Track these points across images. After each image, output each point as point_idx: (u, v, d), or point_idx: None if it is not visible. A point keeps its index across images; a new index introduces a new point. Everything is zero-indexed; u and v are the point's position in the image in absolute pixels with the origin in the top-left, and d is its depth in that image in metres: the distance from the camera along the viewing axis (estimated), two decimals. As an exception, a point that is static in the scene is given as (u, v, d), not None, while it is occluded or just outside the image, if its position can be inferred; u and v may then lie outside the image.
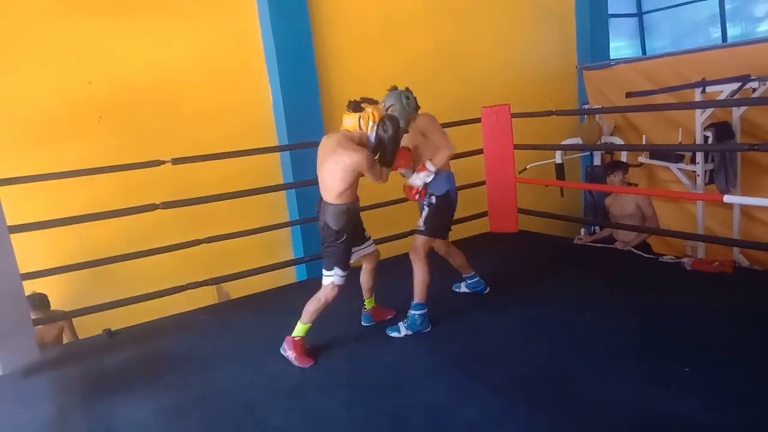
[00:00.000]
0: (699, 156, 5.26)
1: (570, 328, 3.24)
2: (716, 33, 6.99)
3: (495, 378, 2.76)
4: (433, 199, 3.35)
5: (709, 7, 6.95)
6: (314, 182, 4.63)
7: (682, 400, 2.43)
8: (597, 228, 6.33)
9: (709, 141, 5.02)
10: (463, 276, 3.93)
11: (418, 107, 3.37)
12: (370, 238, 3.40)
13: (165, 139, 4.42)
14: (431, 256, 3.41)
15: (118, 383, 3.09)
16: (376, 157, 3.07)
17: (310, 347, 3.22)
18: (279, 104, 4.78)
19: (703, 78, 5.09)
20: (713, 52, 5.60)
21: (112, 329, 3.80)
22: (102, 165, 3.71)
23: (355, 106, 3.06)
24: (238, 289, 4.51)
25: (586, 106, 6.75)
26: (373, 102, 3.11)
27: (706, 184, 5.27)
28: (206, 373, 3.15)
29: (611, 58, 7.12)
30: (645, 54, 7.59)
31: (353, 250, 3.25)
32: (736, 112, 5.16)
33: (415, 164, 3.39)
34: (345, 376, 2.94)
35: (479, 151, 5.23)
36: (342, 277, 3.17)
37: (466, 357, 3.03)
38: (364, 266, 3.48)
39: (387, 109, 3.32)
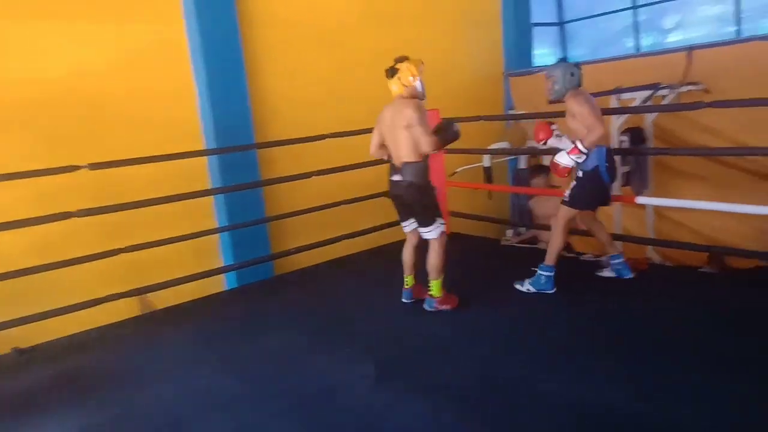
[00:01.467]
0: (617, 158, 5.54)
1: (500, 329, 3.32)
2: (630, 43, 7.42)
3: (431, 381, 2.79)
4: (581, 173, 3.44)
5: (624, 19, 7.37)
6: (244, 186, 4.60)
7: (612, 392, 2.55)
8: (524, 229, 6.57)
9: (625, 145, 5.30)
10: (606, 257, 3.95)
11: (579, 85, 3.48)
12: (427, 225, 3.46)
13: (86, 145, 4.17)
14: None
15: (30, 405, 2.88)
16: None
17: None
18: (206, 107, 4.63)
19: (619, 85, 5.38)
20: (627, 61, 5.93)
21: (22, 347, 3.54)
22: (13, 171, 3.44)
23: (392, 71, 3.29)
24: (163, 300, 4.32)
25: (512, 111, 6.98)
26: (404, 58, 3.31)
27: (622, 186, 5.57)
28: (128, 390, 3.00)
29: (535, 65, 7.40)
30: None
31: (410, 221, 3.50)
32: (649, 118, 5.49)
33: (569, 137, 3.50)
34: (277, 387, 2.88)
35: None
36: (443, 224, 3.39)
37: (402, 361, 3.04)
38: (407, 242, 3.63)
39: (550, 79, 3.53)
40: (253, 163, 4.89)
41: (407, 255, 3.65)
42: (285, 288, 4.54)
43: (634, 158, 5.45)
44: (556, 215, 5.29)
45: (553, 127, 3.68)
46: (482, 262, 4.70)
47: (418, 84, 3.29)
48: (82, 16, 4.21)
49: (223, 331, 3.71)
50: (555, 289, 3.60)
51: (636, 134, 5.38)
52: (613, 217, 5.93)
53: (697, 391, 2.50)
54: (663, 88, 5.05)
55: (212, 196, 4.75)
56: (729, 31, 6.39)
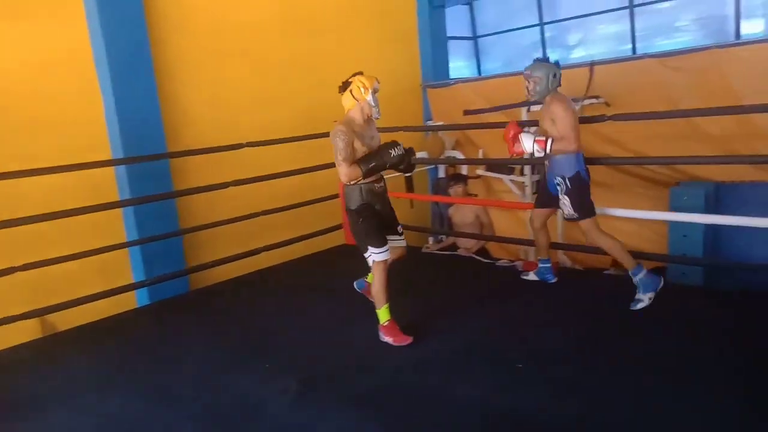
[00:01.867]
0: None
1: (419, 335, 3.36)
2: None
3: (354, 394, 2.77)
4: (568, 182, 3.37)
5: (532, 35, 7.76)
6: (155, 197, 4.38)
7: (523, 395, 2.64)
8: (444, 236, 6.72)
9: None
10: (537, 258, 3.97)
11: (559, 85, 3.41)
12: (402, 233, 3.41)
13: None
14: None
15: None
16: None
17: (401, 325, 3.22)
18: (112, 114, 4.37)
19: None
20: (536, 75, 6.24)
21: None
22: None
23: (344, 85, 3.15)
24: (68, 321, 4.02)
25: (430, 122, 7.14)
26: (358, 73, 3.18)
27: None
28: (30, 419, 2.76)
29: (451, 77, 7.63)
30: (480, 74, 8.25)
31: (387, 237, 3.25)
32: (556, 129, 5.80)
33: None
34: (192, 408, 2.75)
35: (333, 165, 5.26)
36: (380, 253, 3.13)
37: (325, 375, 3.00)
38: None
39: (531, 79, 3.38)
40: (165, 172, 4.67)
41: None
42: (201, 303, 4.36)
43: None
44: (485, 223, 5.48)
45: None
46: (404, 270, 4.74)
47: (370, 98, 3.12)
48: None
49: (134, 352, 3.51)
50: (662, 281, 3.40)
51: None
52: (525, 224, 6.20)
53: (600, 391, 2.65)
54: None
55: (121, 209, 4.48)
56: (626, 48, 6.89)
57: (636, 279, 3.40)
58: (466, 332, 3.37)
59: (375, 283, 3.17)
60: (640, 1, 6.61)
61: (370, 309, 3.68)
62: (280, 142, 5.00)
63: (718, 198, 5.18)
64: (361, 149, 3.12)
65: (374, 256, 3.14)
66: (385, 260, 3.16)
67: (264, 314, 3.96)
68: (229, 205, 4.78)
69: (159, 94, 4.66)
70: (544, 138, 3.36)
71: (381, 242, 3.16)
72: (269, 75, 5.52)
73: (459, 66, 8.39)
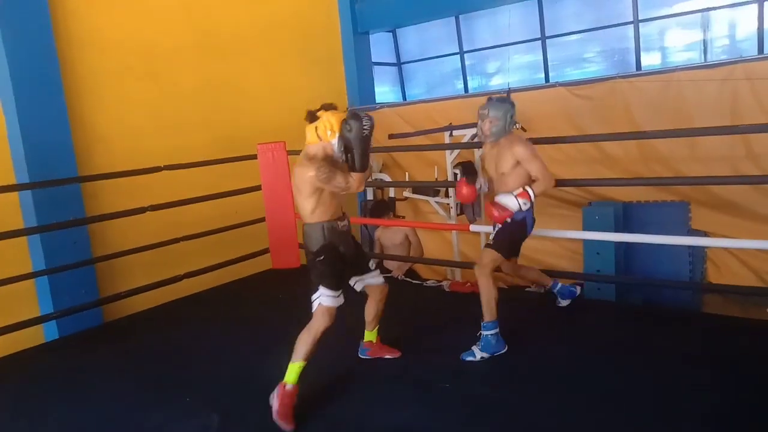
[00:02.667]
0: (451, 190, 5.98)
1: (345, 359, 3.33)
2: (460, 84, 8.12)
3: (271, 425, 2.69)
4: (509, 221, 3.24)
5: (454, 62, 8.06)
6: (65, 224, 4.13)
7: (447, 416, 2.67)
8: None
9: (458, 177, 5.74)
10: (549, 287, 3.80)
11: (515, 125, 3.27)
12: (375, 268, 3.15)
13: None
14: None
15: None
16: (346, 163, 2.81)
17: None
18: (16, 138, 4.10)
19: (450, 123, 5.84)
20: (457, 101, 6.47)
21: None
22: None
23: (312, 116, 2.82)
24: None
25: (357, 145, 7.19)
26: (330, 107, 2.83)
27: (458, 215, 6.00)
28: None
29: (377, 101, 7.76)
30: (405, 99, 8.44)
31: (354, 279, 3.07)
32: (477, 153, 6.01)
33: (495, 187, 3.31)
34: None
35: (258, 188, 5.19)
36: (330, 297, 2.80)
37: (247, 407, 2.90)
38: (369, 298, 3.20)
39: (488, 119, 3.21)
40: (76, 197, 4.42)
41: (367, 309, 3.25)
42: (116, 336, 4.12)
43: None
44: (414, 243, 5.55)
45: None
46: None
47: (335, 142, 2.77)
48: None
49: (39, 391, 3.25)
50: (506, 348, 3.24)
51: (467, 167, 5.85)
52: (452, 244, 6.35)
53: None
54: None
55: (26, 237, 4.19)
56: (539, 77, 7.29)
57: (483, 333, 3.24)
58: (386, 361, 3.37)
59: (309, 330, 2.80)
60: (552, 33, 7.04)
61: (291, 338, 3.61)
62: (200, 165, 4.87)
63: (626, 217, 5.54)
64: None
65: (323, 298, 2.80)
66: (334, 308, 2.82)
67: (184, 346, 3.80)
68: (146, 232, 4.59)
69: (69, 116, 4.43)
70: (522, 189, 3.21)
71: (336, 285, 2.85)
72: (184, 98, 5.37)
73: (384, 91, 8.55)
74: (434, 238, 6.86)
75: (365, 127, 2.73)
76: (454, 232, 6.23)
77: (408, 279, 5.15)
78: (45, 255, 4.19)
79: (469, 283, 4.61)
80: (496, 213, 3.24)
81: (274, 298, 4.61)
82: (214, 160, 5.01)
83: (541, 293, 5.51)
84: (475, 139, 5.63)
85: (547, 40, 7.05)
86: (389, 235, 5.73)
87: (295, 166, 2.85)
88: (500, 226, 3.33)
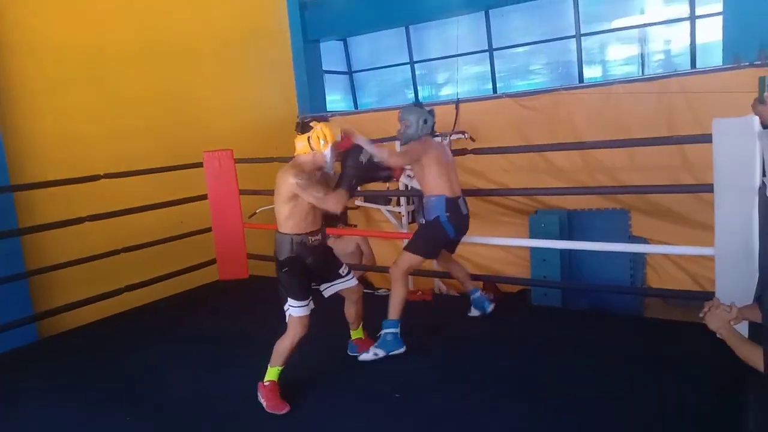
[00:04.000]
0: (402, 199, 6.01)
1: (289, 371, 3.26)
2: (411, 94, 8.21)
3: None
4: (423, 221, 3.34)
5: (405, 72, 8.14)
6: (7, 234, 3.89)
7: (395, 426, 2.65)
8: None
9: (409, 187, 5.77)
10: (468, 292, 3.81)
11: (431, 133, 3.39)
12: (347, 273, 3.16)
13: None
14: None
15: None
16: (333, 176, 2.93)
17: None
18: (-59, 145, 3.88)
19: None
20: (408, 110, 6.53)
21: None
22: None
23: (303, 127, 2.86)
24: None
25: (308, 154, 7.13)
26: (322, 119, 2.94)
27: (409, 223, 6.02)
28: None
29: (328, 110, 7.73)
30: (357, 108, 8.45)
31: (324, 286, 3.11)
32: (428, 162, 6.07)
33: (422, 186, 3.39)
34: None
35: (204, 197, 5.06)
36: (299, 307, 2.85)
37: (186, 423, 2.80)
38: (346, 300, 3.25)
39: (402, 122, 3.34)
40: (8, 207, 4.19)
41: (347, 311, 3.31)
42: (52, 353, 3.90)
43: (418, 198, 5.93)
44: (365, 252, 5.52)
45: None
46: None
47: (327, 152, 2.82)
48: None
49: (19, 399, 3.05)
50: (405, 348, 3.29)
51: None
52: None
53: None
54: (437, 135, 5.62)
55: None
56: (487, 87, 7.45)
57: (384, 330, 3.33)
58: (340, 362, 3.34)
59: (285, 339, 2.87)
60: (499, 45, 7.21)
61: (239, 353, 3.53)
62: (144, 173, 4.71)
63: (570, 225, 5.71)
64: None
65: (292, 309, 2.87)
66: (304, 317, 2.87)
67: (126, 362, 3.63)
68: (86, 243, 4.39)
69: (0, 124, 4.20)
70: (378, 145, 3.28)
71: (302, 296, 2.87)
72: (127, 105, 5.20)
73: (336, 99, 8.54)
74: (386, 246, 6.86)
75: (373, 159, 3.01)
76: (405, 240, 6.25)
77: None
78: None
79: (420, 292, 4.63)
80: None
81: (221, 309, 4.49)
82: (159, 168, 4.85)
83: (492, 299, 5.60)
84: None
85: (494, 51, 7.22)
86: (341, 245, 5.67)
87: (279, 171, 2.89)
88: (418, 226, 3.52)
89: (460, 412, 2.74)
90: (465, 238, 3.77)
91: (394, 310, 3.32)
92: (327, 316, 4.11)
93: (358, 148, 2.96)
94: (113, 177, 4.43)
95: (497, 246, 5.96)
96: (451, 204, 3.38)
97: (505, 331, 3.77)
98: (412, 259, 3.40)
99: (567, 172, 5.51)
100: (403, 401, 2.86)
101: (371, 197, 6.42)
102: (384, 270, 6.06)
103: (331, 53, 8.18)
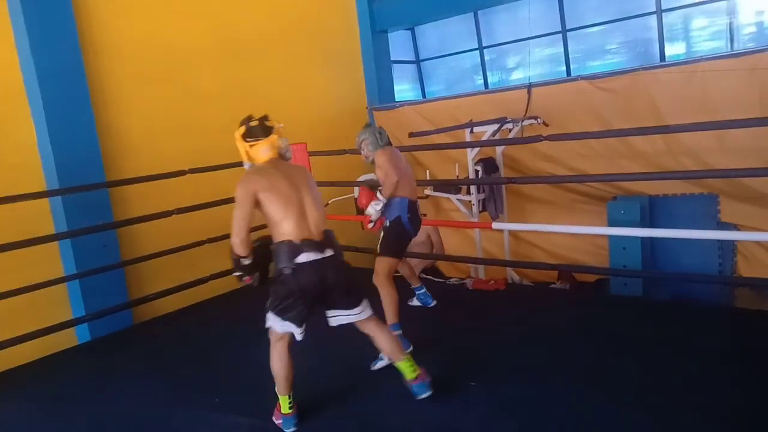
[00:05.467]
0: (472, 188, 5.96)
1: (364, 357, 3.34)
2: (480, 80, 8.06)
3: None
4: (387, 223, 3.48)
5: (473, 58, 8.00)
6: (94, 229, 4.22)
7: (469, 412, 2.66)
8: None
9: (479, 174, 5.71)
10: (412, 287, 4.00)
11: (388, 143, 3.58)
12: (359, 304, 2.72)
13: None
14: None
15: None
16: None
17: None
18: (45, 144, 4.21)
19: (471, 119, 5.81)
20: (477, 97, 6.45)
21: None
22: None
23: (264, 129, 2.72)
24: (2, 361, 3.79)
25: (378, 144, 7.20)
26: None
27: (480, 212, 5.97)
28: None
29: (396, 100, 7.75)
30: (424, 97, 8.42)
31: (329, 313, 2.71)
32: (499, 149, 5.98)
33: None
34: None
35: (277, 190, 5.23)
36: (276, 321, 2.57)
37: (270, 409, 2.94)
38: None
39: (361, 143, 3.57)
40: (104, 202, 4.52)
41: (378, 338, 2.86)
42: (145, 337, 4.21)
43: (488, 186, 5.87)
44: (435, 242, 5.54)
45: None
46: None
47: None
48: None
49: (72, 392, 3.35)
50: (411, 347, 3.27)
51: (488, 164, 5.82)
52: (474, 241, 6.32)
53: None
54: (509, 122, 5.54)
55: (57, 242, 4.29)
56: (560, 70, 7.20)
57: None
58: (416, 351, 3.38)
59: (272, 363, 2.63)
60: (572, 26, 6.94)
61: (316, 341, 3.64)
62: (223, 168, 4.92)
63: (652, 211, 5.45)
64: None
65: (270, 322, 2.61)
66: (282, 336, 2.60)
67: (212, 347, 3.86)
68: (172, 235, 4.67)
69: (96, 122, 4.52)
70: (375, 195, 3.51)
71: (283, 313, 2.58)
72: (204, 101, 5.42)
73: (404, 89, 8.54)
74: (457, 235, 6.84)
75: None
76: (476, 229, 6.21)
77: (429, 277, 5.15)
78: (76, 259, 4.30)
79: (492, 281, 4.58)
80: (365, 225, 3.60)
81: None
82: (237, 162, 5.04)
83: (566, 289, 5.47)
84: (496, 136, 5.59)
85: (568, 32, 6.95)
86: (411, 234, 5.73)
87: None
88: (382, 234, 3.55)
89: (534, 401, 2.72)
90: (540, 226, 3.71)
91: (391, 315, 3.39)
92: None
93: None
94: (197, 172, 4.69)
95: (573, 234, 5.80)
96: (412, 206, 3.54)
97: (582, 322, 3.69)
98: (388, 263, 3.48)
99: (648, 156, 5.25)
100: (477, 389, 2.87)
101: (441, 186, 6.41)
102: (454, 259, 6.09)
103: (398, 43, 8.18)
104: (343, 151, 5.33)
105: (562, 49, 7.09)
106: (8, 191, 3.73)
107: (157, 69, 5.12)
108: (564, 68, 7.16)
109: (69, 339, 4.29)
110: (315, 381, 3.02)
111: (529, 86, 5.70)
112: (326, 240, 2.61)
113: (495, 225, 4.81)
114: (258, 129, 2.70)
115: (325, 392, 2.98)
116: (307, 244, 2.54)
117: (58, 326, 4.00)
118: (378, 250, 3.49)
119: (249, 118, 2.75)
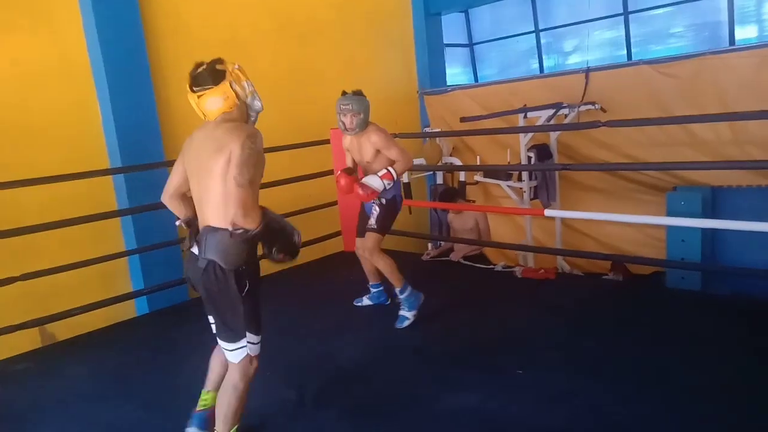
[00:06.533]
0: (524, 174, 5.85)
1: (415, 342, 3.37)
2: (535, 64, 7.87)
3: (347, 403, 2.78)
4: (383, 201, 3.49)
5: (528, 41, 7.81)
6: (154, 206, 4.39)
7: (516, 401, 2.65)
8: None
9: (532, 161, 5.60)
10: (369, 285, 3.98)
11: None
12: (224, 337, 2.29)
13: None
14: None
15: None
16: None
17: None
18: (110, 123, 4.38)
19: (525, 104, 5.69)
20: (532, 81, 6.29)
21: None
22: None
23: (214, 74, 2.16)
24: (66, 330, 4.03)
25: (428, 129, 7.18)
26: (220, 62, 2.24)
27: (531, 199, 5.86)
28: (29, 428, 2.76)
29: (448, 84, 7.67)
30: (477, 81, 8.29)
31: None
32: (553, 135, 5.83)
33: (364, 175, 3.50)
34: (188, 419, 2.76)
35: (330, 172, 5.29)
36: (257, 344, 2.22)
37: (318, 384, 3.00)
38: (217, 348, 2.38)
39: (363, 110, 3.42)
40: (164, 181, 4.64)
41: (214, 362, 2.50)
42: (200, 312, 4.33)
43: (541, 173, 5.75)
44: (482, 229, 5.49)
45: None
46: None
47: (253, 100, 2.27)
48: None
49: (131, 362, 3.51)
50: (422, 296, 3.57)
51: (542, 150, 5.69)
52: (523, 229, 6.22)
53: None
54: (564, 107, 5.39)
55: (119, 218, 4.49)
56: (621, 54, 6.93)
57: (402, 297, 3.55)
58: (464, 337, 3.38)
59: (236, 389, 2.19)
60: (635, 8, 6.66)
61: (363, 319, 3.70)
62: (278, 150, 5.00)
63: (715, 202, 5.21)
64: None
65: (253, 348, 2.22)
66: (258, 355, 2.26)
67: (265, 322, 3.95)
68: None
69: (156, 103, 4.68)
70: (386, 171, 3.38)
71: (261, 328, 2.27)
72: (259, 83, 5.48)
73: (456, 73, 8.43)
74: (505, 223, 6.75)
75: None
76: (527, 216, 6.11)
77: (468, 263, 5.11)
78: (136, 235, 4.48)
79: (542, 270, 4.50)
80: (362, 192, 3.39)
81: (345, 277, 4.71)
82: (292, 144, 5.13)
83: (620, 280, 5.32)
84: (551, 121, 5.46)
85: (629, 15, 6.68)
86: (460, 221, 5.69)
87: (207, 138, 2.16)
88: (378, 210, 3.52)
89: (582, 392, 2.67)
90: (597, 215, 3.62)
91: (395, 279, 3.52)
92: (455, 290, 4.15)
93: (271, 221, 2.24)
94: (251, 152, 4.78)
95: (629, 225, 5.62)
96: (404, 186, 3.58)
97: (635, 314, 3.58)
98: (379, 238, 3.55)
99: (712, 145, 5.01)
100: (525, 378, 2.84)
101: (491, 172, 6.33)
102: (504, 246, 6.01)
103: (451, 26, 8.06)
104: (394, 135, 5.32)
105: (623, 33, 6.83)
106: (75, 169, 3.91)
107: (216, 51, 5.17)
108: (624, 52, 6.90)
109: (129, 310, 4.50)
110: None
111: (587, 71, 5.51)
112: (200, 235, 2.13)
113: (548, 212, 4.71)
114: (205, 75, 2.17)
115: (378, 377, 3.01)
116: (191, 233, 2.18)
117: (119, 298, 4.21)
118: (373, 227, 3.52)
119: (198, 64, 2.23)
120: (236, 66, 2.22)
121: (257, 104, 2.27)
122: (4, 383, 3.32)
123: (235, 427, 2.18)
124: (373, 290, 4.00)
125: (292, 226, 2.28)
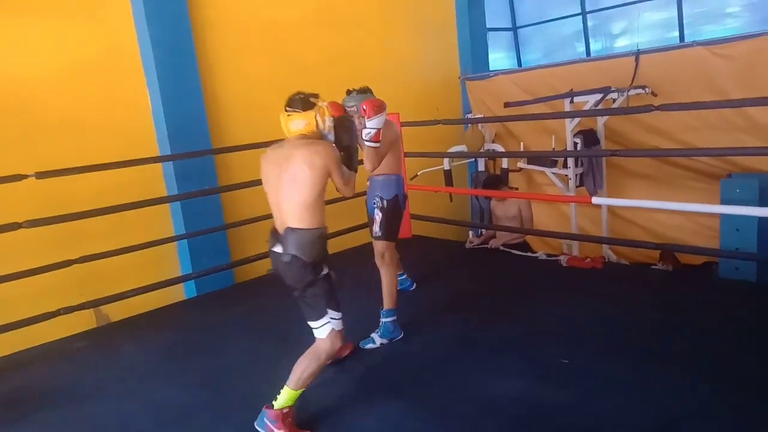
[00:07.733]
0: (570, 161, 5.71)
1: (457, 330, 3.36)
2: (581, 47, 7.65)
3: (387, 381, 2.80)
4: (385, 203, 3.33)
5: (574, 24, 7.59)
6: (201, 193, 4.51)
7: (562, 390, 2.62)
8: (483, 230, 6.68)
9: (578, 147, 5.46)
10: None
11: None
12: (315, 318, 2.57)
13: (26, 152, 3.98)
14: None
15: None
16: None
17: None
18: (159, 112, 4.51)
19: (571, 89, 5.54)
20: (579, 65, 6.11)
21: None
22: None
23: (305, 103, 2.53)
24: (119, 311, 4.20)
25: (470, 115, 7.09)
26: (315, 96, 2.62)
27: (577, 187, 5.73)
28: (84, 405, 2.90)
29: (490, 69, 7.53)
30: (520, 66, 8.12)
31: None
32: (600, 121, 5.67)
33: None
34: (238, 398, 2.84)
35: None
36: (339, 319, 2.59)
37: (357, 363, 3.04)
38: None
39: (349, 109, 3.30)
40: (210, 169, 4.80)
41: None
42: (246, 296, 4.47)
43: (587, 160, 5.61)
44: (525, 217, 5.42)
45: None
46: (444, 265, 4.74)
47: (328, 134, 2.63)
48: (20, 13, 4.01)
49: (182, 342, 3.63)
50: (402, 334, 3.32)
51: (589, 136, 5.54)
52: (568, 217, 6.09)
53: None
54: (613, 91, 5.22)
55: (169, 204, 4.63)
56: (673, 36, 6.67)
57: (383, 320, 3.32)
58: (507, 326, 3.36)
59: (318, 359, 2.50)
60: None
61: (403, 306, 3.68)
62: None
63: (772, 190, 4.97)
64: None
65: (336, 323, 2.57)
66: (343, 330, 2.63)
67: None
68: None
69: (203, 92, 4.78)
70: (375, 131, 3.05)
71: (340, 306, 2.65)
72: (301, 72, 5.53)
73: (499, 57, 8.29)
74: (549, 210, 6.63)
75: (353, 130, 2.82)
76: (572, 204, 5.98)
77: (508, 249, 5.05)
78: (185, 221, 4.61)
79: (589, 259, 4.42)
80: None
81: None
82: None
83: (669, 270, 5.16)
84: (599, 106, 5.31)
85: (683, -6, 6.41)
86: (503, 208, 5.62)
87: (287, 153, 2.50)
88: (380, 216, 3.34)
89: (630, 382, 2.62)
90: (647, 203, 3.49)
91: (390, 300, 3.33)
92: (498, 278, 4.11)
93: (349, 118, 2.83)
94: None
95: (680, 214, 5.43)
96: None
97: (686, 304, 3.48)
98: (389, 246, 3.36)
99: (771, 130, 4.78)
100: (572, 367, 2.80)
101: (535, 159, 6.21)
102: (549, 234, 5.91)
103: (494, 9, 7.90)
104: (436, 122, 5.29)
105: (675, 13, 6.56)
106: (127, 157, 4.05)
107: (261, 41, 5.30)
108: (676, 34, 6.64)
109: (178, 294, 4.65)
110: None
111: (638, 53, 5.32)
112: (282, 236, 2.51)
113: (595, 200, 4.60)
114: (299, 101, 2.55)
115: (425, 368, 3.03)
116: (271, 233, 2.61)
117: (169, 281, 4.35)
118: (378, 233, 3.35)
119: (297, 92, 2.61)
120: (326, 103, 2.64)
121: (330, 138, 2.65)
122: (63, 361, 3.49)
123: (302, 390, 2.49)
124: (400, 278, 3.94)
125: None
